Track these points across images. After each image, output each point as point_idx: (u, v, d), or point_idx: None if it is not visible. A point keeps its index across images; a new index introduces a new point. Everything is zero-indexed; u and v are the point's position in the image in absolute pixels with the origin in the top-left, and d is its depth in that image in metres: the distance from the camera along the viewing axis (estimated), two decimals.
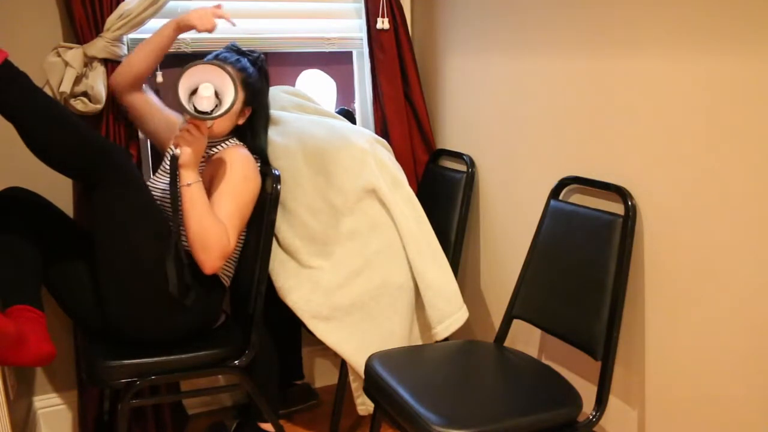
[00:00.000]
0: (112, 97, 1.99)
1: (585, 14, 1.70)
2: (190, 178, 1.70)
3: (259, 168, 1.91)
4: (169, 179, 1.74)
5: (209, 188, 1.82)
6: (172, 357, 1.73)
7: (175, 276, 1.70)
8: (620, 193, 1.63)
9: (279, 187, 1.85)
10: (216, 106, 1.68)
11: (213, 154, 1.86)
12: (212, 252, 1.71)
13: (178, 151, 1.70)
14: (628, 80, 1.60)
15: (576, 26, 1.74)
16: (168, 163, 1.91)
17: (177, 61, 2.25)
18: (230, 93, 1.67)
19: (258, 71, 1.94)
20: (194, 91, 1.68)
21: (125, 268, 1.67)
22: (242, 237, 1.93)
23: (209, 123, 1.74)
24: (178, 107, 1.66)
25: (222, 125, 1.85)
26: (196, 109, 1.67)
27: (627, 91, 1.61)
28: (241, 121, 1.92)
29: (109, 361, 1.68)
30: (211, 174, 1.83)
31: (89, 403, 2.10)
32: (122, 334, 1.74)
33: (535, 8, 1.88)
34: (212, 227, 1.70)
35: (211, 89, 1.67)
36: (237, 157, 1.83)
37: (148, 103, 1.95)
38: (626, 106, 1.61)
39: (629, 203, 1.60)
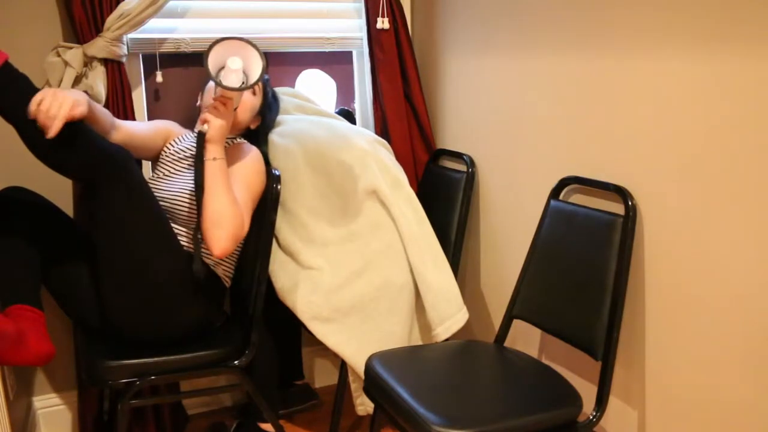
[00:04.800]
0: (113, 96, 1.99)
1: (585, 14, 1.70)
2: (216, 152, 1.72)
3: None
4: (195, 156, 1.76)
5: None
6: (172, 357, 1.73)
7: (200, 255, 1.72)
8: (620, 193, 1.63)
9: (279, 187, 1.85)
10: (243, 82, 1.71)
11: (225, 148, 1.90)
12: (226, 230, 1.68)
13: (205, 127, 1.72)
14: (628, 80, 1.60)
15: (576, 26, 1.74)
16: (169, 156, 1.91)
17: (177, 60, 2.26)
18: (258, 66, 1.69)
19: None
20: (222, 68, 1.71)
21: (125, 268, 1.67)
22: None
23: (236, 101, 1.79)
24: (208, 79, 1.69)
25: (243, 116, 1.91)
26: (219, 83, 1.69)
27: (627, 91, 1.60)
28: (253, 126, 1.99)
29: (109, 361, 1.68)
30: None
31: (89, 403, 2.10)
32: (122, 334, 1.74)
33: (535, 9, 1.88)
34: (231, 206, 1.70)
35: (240, 63, 1.69)
36: (250, 152, 1.88)
37: (129, 135, 1.86)
38: (626, 106, 1.61)
39: (629, 203, 1.60)
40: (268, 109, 2.05)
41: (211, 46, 1.67)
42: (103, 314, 1.73)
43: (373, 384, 1.65)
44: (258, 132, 2.03)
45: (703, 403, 1.50)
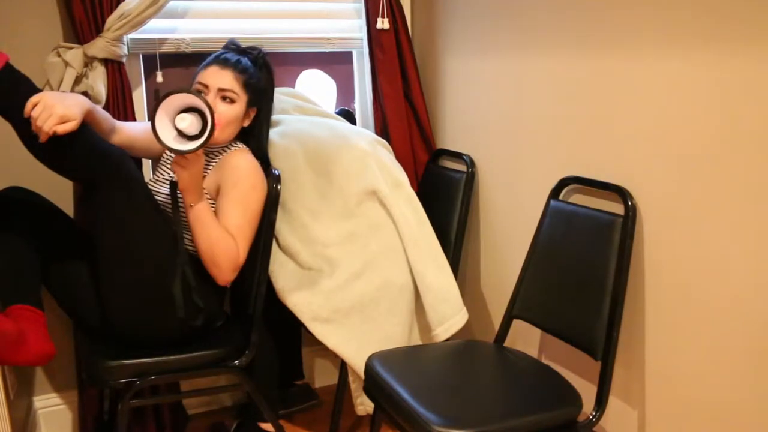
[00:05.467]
0: (113, 96, 1.99)
1: (585, 14, 1.70)
2: (192, 200, 1.69)
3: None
4: (171, 205, 1.74)
5: (215, 196, 1.82)
6: (172, 357, 1.73)
7: (182, 300, 1.71)
8: (620, 193, 1.63)
9: (279, 187, 1.85)
10: (204, 122, 1.61)
11: (219, 159, 1.85)
12: (222, 266, 1.72)
13: (175, 176, 1.70)
14: (628, 80, 1.60)
15: (577, 27, 1.74)
16: (169, 159, 1.91)
17: (177, 60, 2.26)
18: (208, 114, 1.60)
19: (260, 69, 1.92)
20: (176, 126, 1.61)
21: (126, 269, 1.67)
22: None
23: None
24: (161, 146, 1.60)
25: (227, 130, 1.83)
26: (181, 133, 1.61)
27: (627, 91, 1.60)
28: (246, 123, 1.90)
29: (109, 361, 1.68)
30: (218, 181, 1.81)
31: (89, 403, 2.10)
32: (122, 334, 1.74)
33: (535, 9, 1.88)
34: (220, 242, 1.71)
35: (187, 118, 1.59)
36: (243, 165, 1.80)
37: (129, 138, 1.87)
38: (626, 105, 1.61)
39: (629, 203, 1.60)
40: (259, 97, 1.91)
41: (153, 120, 1.57)
42: (103, 314, 1.73)
43: (373, 384, 1.65)
44: (256, 124, 1.94)
45: (703, 402, 1.50)
